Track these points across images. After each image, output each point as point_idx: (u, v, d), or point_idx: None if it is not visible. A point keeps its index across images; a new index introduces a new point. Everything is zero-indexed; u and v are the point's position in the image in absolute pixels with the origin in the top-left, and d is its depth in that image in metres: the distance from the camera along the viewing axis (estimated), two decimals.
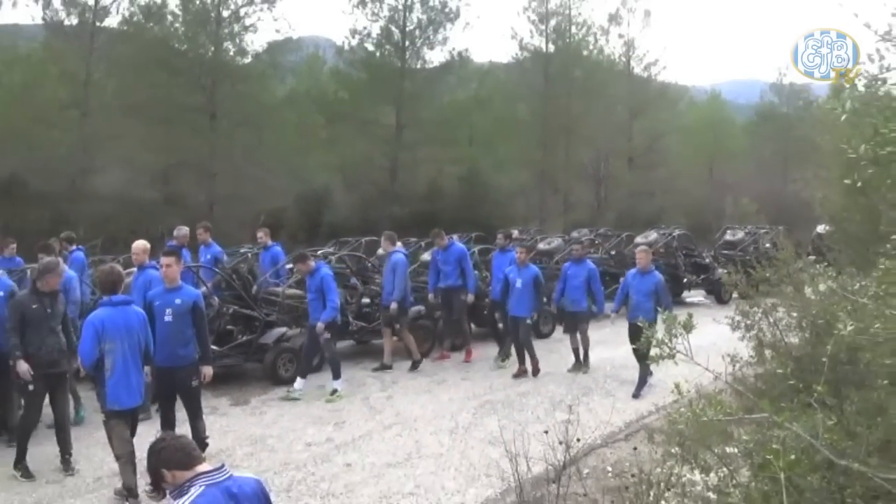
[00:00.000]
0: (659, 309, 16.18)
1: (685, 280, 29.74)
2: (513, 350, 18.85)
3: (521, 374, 18.10)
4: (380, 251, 21.29)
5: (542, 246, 27.30)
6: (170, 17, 44.80)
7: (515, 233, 30.59)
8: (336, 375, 16.46)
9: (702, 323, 6.91)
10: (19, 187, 38.40)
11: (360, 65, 49.93)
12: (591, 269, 18.81)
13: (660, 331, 6.42)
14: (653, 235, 30.60)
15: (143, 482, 10.16)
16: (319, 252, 23.15)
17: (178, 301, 12.09)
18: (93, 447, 11.43)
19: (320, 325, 16.14)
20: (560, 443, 9.68)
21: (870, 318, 6.15)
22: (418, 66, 50.28)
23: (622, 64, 58.58)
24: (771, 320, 9.42)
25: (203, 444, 11.83)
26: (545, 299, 20.22)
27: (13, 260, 16.29)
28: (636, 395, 16.37)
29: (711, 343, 7.88)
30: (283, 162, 45.74)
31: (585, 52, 56.04)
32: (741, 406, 7.23)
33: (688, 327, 6.27)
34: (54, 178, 40.01)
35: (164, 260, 12.39)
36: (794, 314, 9.28)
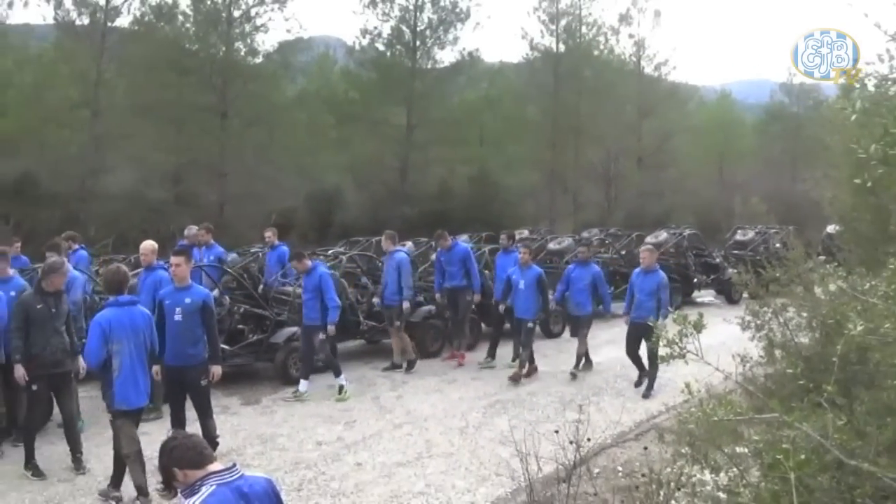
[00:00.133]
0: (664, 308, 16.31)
1: (695, 280, 29.68)
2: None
3: (531, 372, 18.09)
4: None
5: (552, 246, 27.24)
6: (181, 17, 44.93)
7: (525, 232, 30.59)
8: (336, 374, 16.46)
9: (712, 323, 6.92)
10: (30, 187, 38.45)
11: (371, 65, 50.04)
12: (597, 273, 18.63)
13: (670, 330, 6.42)
14: (663, 235, 30.55)
15: (154, 481, 10.20)
16: (330, 252, 23.19)
17: (187, 300, 12.11)
18: (104, 446, 11.44)
19: (331, 328, 16.19)
20: (570, 442, 9.67)
21: (880, 317, 6.15)
22: (429, 66, 50.36)
23: (632, 64, 58.42)
24: (781, 320, 9.39)
25: (214, 444, 11.83)
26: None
27: (18, 259, 16.25)
28: (646, 396, 16.37)
29: (721, 343, 7.88)
30: (294, 162, 45.80)
31: (596, 52, 55.98)
32: (751, 406, 7.22)
33: (698, 327, 6.28)
34: (65, 177, 40.05)
35: (173, 259, 12.42)
36: (805, 314, 9.26)
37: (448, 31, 49.28)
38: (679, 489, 7.65)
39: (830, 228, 24.94)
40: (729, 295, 29.62)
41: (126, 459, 10.70)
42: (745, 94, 79.82)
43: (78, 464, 11.87)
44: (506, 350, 18.96)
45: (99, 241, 33.17)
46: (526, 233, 31.04)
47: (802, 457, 5.32)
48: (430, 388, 17.28)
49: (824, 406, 6.03)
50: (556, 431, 10.28)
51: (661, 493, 7.78)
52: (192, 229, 19.81)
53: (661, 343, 6.43)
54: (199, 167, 44.16)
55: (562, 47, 54.49)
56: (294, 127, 46.16)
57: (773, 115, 66.57)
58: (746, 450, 6.97)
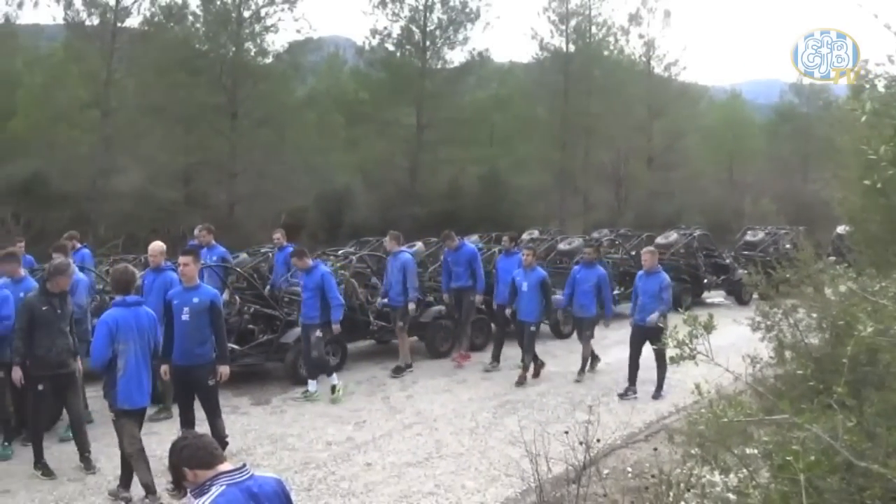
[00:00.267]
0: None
1: (705, 281, 29.64)
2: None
3: (538, 370, 18.08)
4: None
5: (562, 246, 27.19)
6: (191, 18, 45.04)
7: (536, 233, 30.63)
8: (328, 374, 16.40)
9: (722, 324, 6.90)
10: (40, 186, 38.53)
11: (381, 65, 50.18)
12: (602, 274, 18.40)
13: (680, 331, 6.42)
14: (673, 236, 30.55)
15: (164, 480, 10.23)
16: (340, 252, 23.22)
17: (195, 300, 12.15)
18: (113, 446, 11.41)
19: (336, 327, 16.22)
20: (580, 443, 9.69)
21: (890, 319, 6.15)
22: (439, 66, 50.46)
23: (642, 64, 58.33)
24: (791, 321, 9.39)
25: (223, 443, 11.84)
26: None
27: (24, 259, 16.24)
28: (656, 396, 16.34)
29: (731, 344, 7.88)
30: (304, 162, 45.73)
31: (606, 53, 55.98)
32: (761, 407, 7.21)
33: (708, 328, 6.28)
34: (75, 177, 40.09)
35: (182, 259, 12.48)
36: (815, 315, 9.25)
37: (458, 32, 49.42)
38: (689, 490, 7.65)
39: (840, 229, 24.93)
40: (739, 296, 29.58)
41: (129, 459, 10.74)
42: (754, 94, 79.73)
43: (87, 463, 11.89)
44: (513, 351, 18.86)
45: (109, 241, 33.31)
46: (536, 233, 31.10)
47: (812, 458, 5.32)
48: (440, 388, 17.29)
49: (834, 407, 6.02)
50: (566, 432, 10.29)
51: (671, 494, 7.78)
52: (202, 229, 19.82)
53: (671, 344, 6.43)
54: (209, 167, 44.27)
55: (572, 47, 54.48)
56: (304, 127, 46.20)
57: (783, 116, 66.52)
58: (756, 451, 6.97)
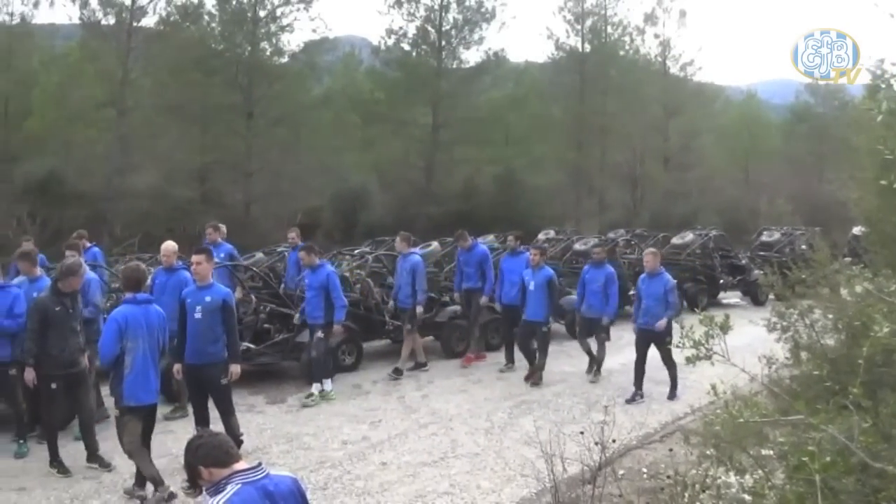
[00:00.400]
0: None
1: (721, 281, 29.60)
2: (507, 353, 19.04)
3: (532, 374, 17.81)
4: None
5: (578, 246, 27.14)
6: (206, 17, 45.16)
7: (551, 233, 30.63)
8: (317, 378, 16.26)
9: (738, 324, 6.92)
10: (56, 185, 38.66)
11: (396, 64, 50.22)
12: (610, 273, 18.11)
13: (696, 331, 6.42)
14: (689, 236, 30.47)
15: (179, 479, 10.26)
16: (356, 251, 23.23)
17: (207, 299, 12.15)
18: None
19: (338, 328, 16.21)
20: (596, 443, 9.68)
21: None
22: (454, 65, 50.51)
23: (658, 64, 58.31)
24: (807, 322, 9.37)
25: (237, 441, 11.85)
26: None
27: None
28: (671, 397, 16.29)
29: (747, 344, 7.90)
30: (320, 161, 45.83)
31: (621, 52, 55.98)
32: (777, 408, 7.22)
33: (724, 328, 6.28)
34: (91, 176, 40.26)
35: (195, 258, 12.47)
36: (831, 316, 9.23)
37: (473, 31, 49.42)
38: (704, 491, 7.65)
39: (856, 230, 24.82)
40: (755, 296, 29.49)
41: (129, 456, 10.77)
42: (770, 94, 79.55)
43: (101, 461, 11.92)
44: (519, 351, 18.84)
45: (125, 240, 33.37)
46: (552, 233, 31.06)
47: (828, 459, 5.32)
48: (455, 388, 17.29)
49: (850, 408, 6.02)
50: (582, 432, 10.28)
51: (686, 495, 7.78)
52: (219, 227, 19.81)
53: (687, 344, 6.43)
54: (224, 166, 44.35)
55: (587, 47, 54.54)
56: (319, 127, 46.32)
57: (799, 116, 66.49)
58: (771, 452, 6.97)
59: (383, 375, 17.96)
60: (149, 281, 13.24)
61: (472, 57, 52.10)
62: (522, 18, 53.50)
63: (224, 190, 44.60)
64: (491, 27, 50.47)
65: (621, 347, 19.14)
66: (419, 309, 18.27)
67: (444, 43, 49.05)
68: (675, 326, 8.19)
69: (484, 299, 19.41)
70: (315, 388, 16.09)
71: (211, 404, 12.40)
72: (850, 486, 5.90)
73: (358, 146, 50.14)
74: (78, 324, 12.19)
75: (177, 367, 12.36)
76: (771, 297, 18.92)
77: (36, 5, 43.42)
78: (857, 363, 6.23)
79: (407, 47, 49.96)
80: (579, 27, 54.34)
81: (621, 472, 11.52)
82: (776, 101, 77.08)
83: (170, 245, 14.93)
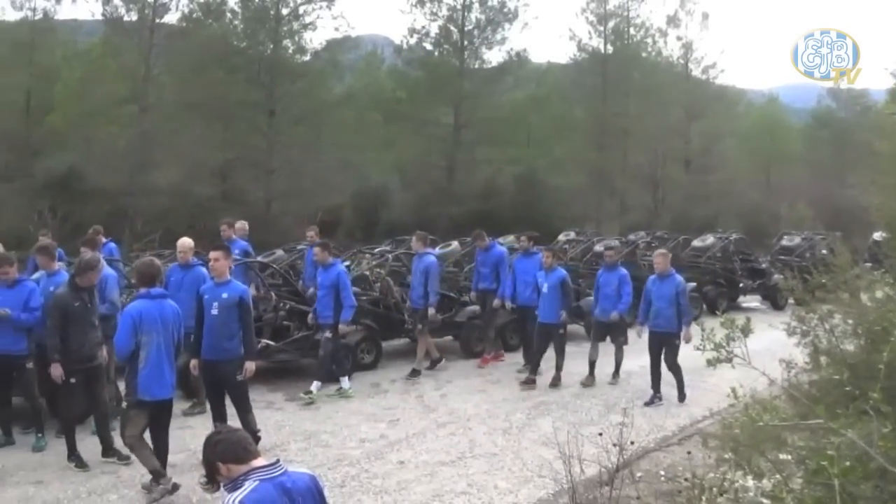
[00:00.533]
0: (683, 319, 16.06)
1: (741, 285, 29.54)
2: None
3: (529, 380, 17.63)
4: (437, 250, 21.27)
5: (598, 248, 27.11)
6: (229, 15, 45.24)
7: (572, 234, 30.60)
8: (326, 379, 16.27)
9: (757, 328, 6.93)
10: (77, 181, 38.74)
11: (419, 64, 50.23)
12: (623, 276, 18.05)
13: (717, 333, 6.43)
14: (710, 239, 30.47)
15: (196, 474, 10.30)
16: (377, 250, 23.25)
17: (224, 295, 12.24)
18: (146, 439, 11.48)
19: (343, 327, 16.15)
20: (614, 445, 9.69)
21: None
22: (476, 65, 50.47)
23: (680, 66, 58.10)
24: (827, 327, 9.36)
25: (255, 437, 11.87)
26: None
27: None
28: (681, 399, 16.24)
29: (766, 348, 7.87)
30: (341, 160, 45.73)
31: (643, 54, 55.81)
32: (796, 412, 7.21)
33: (745, 331, 6.28)
34: (112, 172, 40.28)
35: (212, 254, 12.60)
36: (851, 321, 9.21)
37: (496, 32, 49.37)
38: (721, 495, 7.64)
39: (877, 235, 24.78)
40: (775, 300, 29.40)
41: (129, 449, 10.84)
42: (791, 97, 79.25)
43: (119, 455, 11.93)
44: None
45: (145, 236, 33.44)
46: (573, 234, 31.04)
47: (847, 464, 5.33)
48: (474, 387, 17.32)
49: (869, 413, 6.01)
50: (600, 434, 10.31)
51: (704, 498, 7.78)
52: (240, 224, 19.83)
53: (708, 346, 6.43)
54: (246, 164, 44.37)
55: (610, 48, 54.40)
56: (341, 125, 46.23)
57: (821, 120, 66.25)
58: (790, 456, 6.97)
59: (402, 374, 18.00)
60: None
61: (494, 57, 52.06)
62: (545, 19, 53.23)
63: (245, 187, 44.66)
64: (513, 27, 50.50)
65: (641, 350, 19.03)
66: (430, 311, 18.20)
67: (466, 43, 49.03)
68: (696, 329, 8.18)
69: (497, 301, 19.22)
70: (314, 386, 16.04)
71: (228, 400, 12.46)
72: (869, 492, 5.90)
73: (379, 145, 50.12)
74: (96, 318, 12.29)
75: (193, 362, 12.44)
76: (791, 301, 18.84)
77: (58, 1, 43.63)
78: (877, 368, 6.23)
79: (429, 47, 50.03)
80: (602, 28, 54.24)
81: (639, 474, 11.52)
82: (798, 105, 76.81)
83: (185, 241, 15.05)
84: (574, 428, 12.58)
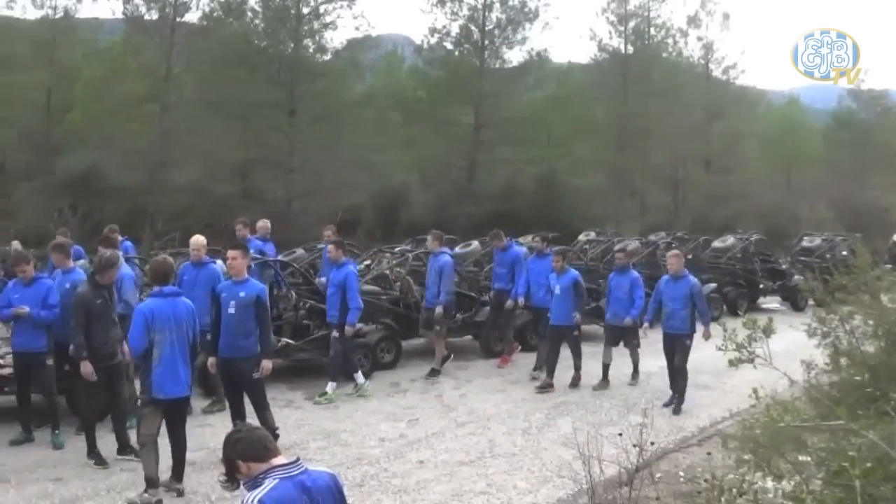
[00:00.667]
0: (698, 321, 15.93)
1: (761, 286, 29.48)
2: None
3: (545, 385, 17.40)
4: (457, 249, 21.28)
5: (618, 248, 27.10)
6: (250, 14, 45.57)
7: (592, 234, 30.59)
8: (334, 378, 16.18)
9: (778, 329, 6.91)
10: (98, 179, 38.94)
11: (439, 63, 50.35)
12: (635, 279, 17.84)
13: (739, 334, 6.42)
14: (730, 240, 30.43)
15: (216, 472, 10.32)
16: (397, 249, 23.28)
17: (242, 294, 12.24)
18: (164, 437, 11.43)
19: (349, 329, 16.01)
20: (633, 446, 9.66)
21: None
22: (497, 65, 50.63)
23: (700, 67, 58.00)
24: (847, 328, 9.33)
25: (274, 435, 11.89)
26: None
27: (73, 249, 16.43)
28: (677, 412, 15.73)
29: (786, 349, 7.87)
30: (361, 159, 45.73)
31: (664, 55, 55.76)
32: (817, 413, 7.20)
33: (768, 331, 6.27)
34: (133, 170, 40.51)
35: (230, 253, 12.62)
36: (871, 322, 9.19)
37: (516, 31, 49.50)
38: (741, 496, 7.63)
39: None
40: (795, 302, 29.31)
41: (142, 448, 10.83)
42: (812, 98, 78.97)
43: (136, 452, 11.90)
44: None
45: (165, 234, 33.56)
46: (593, 234, 31.03)
47: (868, 465, 5.31)
48: (493, 387, 17.30)
49: (890, 414, 6.00)
50: (620, 434, 10.32)
51: (723, 499, 7.76)
52: (262, 222, 19.85)
53: (729, 347, 6.42)
54: (266, 163, 44.53)
55: (630, 49, 54.41)
56: (361, 124, 46.33)
57: (841, 122, 65.99)
58: (809, 458, 6.96)
59: (421, 373, 17.98)
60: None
61: (514, 57, 52.19)
62: (565, 19, 53.39)
63: (265, 186, 44.79)
64: (534, 27, 50.47)
65: (659, 351, 19.02)
66: (438, 310, 18.00)
67: (486, 42, 49.15)
68: (717, 329, 8.17)
69: (510, 303, 19.07)
70: (329, 387, 16.04)
71: (246, 398, 12.49)
72: (890, 493, 5.88)
73: (399, 145, 50.19)
74: (115, 314, 12.36)
75: (211, 360, 12.51)
76: (811, 302, 18.78)
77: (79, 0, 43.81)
78: None
79: (450, 46, 50.14)
80: (622, 29, 54.22)
81: (658, 475, 11.48)
82: (818, 105, 76.53)
83: (198, 239, 15.07)
84: (593, 428, 12.62)
